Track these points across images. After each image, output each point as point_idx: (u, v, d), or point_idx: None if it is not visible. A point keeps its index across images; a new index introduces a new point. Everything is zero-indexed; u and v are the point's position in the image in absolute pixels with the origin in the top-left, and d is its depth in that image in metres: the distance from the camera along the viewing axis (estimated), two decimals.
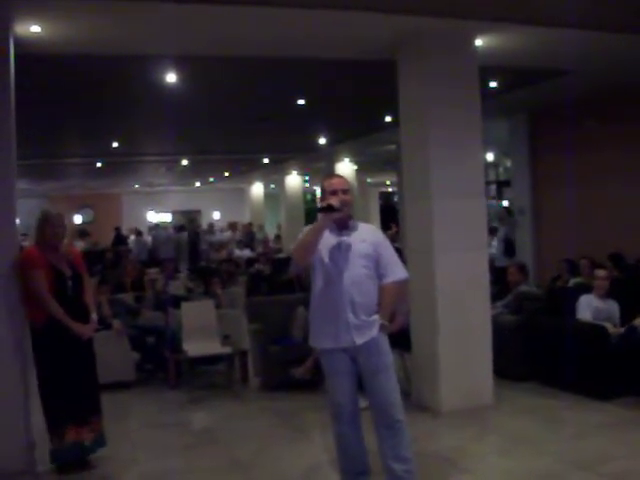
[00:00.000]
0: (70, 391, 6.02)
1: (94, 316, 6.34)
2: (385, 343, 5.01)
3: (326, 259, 4.94)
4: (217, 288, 11.50)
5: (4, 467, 5.99)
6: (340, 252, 4.94)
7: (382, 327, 4.96)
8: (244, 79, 10.46)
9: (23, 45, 6.77)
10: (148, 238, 26.00)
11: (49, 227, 6.10)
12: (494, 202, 20.77)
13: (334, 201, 4.80)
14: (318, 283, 5.01)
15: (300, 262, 5.04)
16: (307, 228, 5.02)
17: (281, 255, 21.07)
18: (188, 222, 22.58)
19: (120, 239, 25.46)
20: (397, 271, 5.11)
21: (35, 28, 6.61)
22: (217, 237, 25.96)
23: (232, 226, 27.44)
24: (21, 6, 6.16)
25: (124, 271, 13.83)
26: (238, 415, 8.06)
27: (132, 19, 6.82)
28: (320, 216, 4.83)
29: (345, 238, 4.98)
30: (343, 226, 5.01)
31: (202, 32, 7.37)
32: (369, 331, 4.92)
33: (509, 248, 14.37)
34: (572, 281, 10.43)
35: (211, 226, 27.66)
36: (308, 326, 5.26)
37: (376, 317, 4.95)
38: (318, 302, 5.04)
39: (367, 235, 5.08)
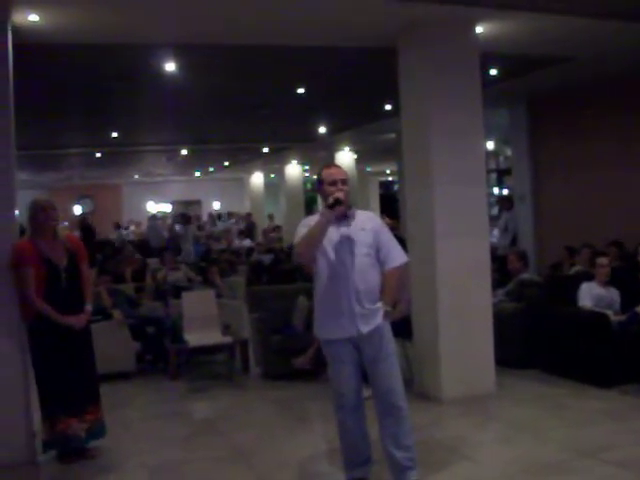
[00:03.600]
0: (64, 383, 6.00)
1: (88, 307, 6.25)
2: (388, 330, 5.02)
3: (328, 250, 4.94)
4: (216, 277, 11.49)
5: (5, 458, 6.00)
6: (342, 243, 4.95)
7: (385, 314, 4.96)
8: (243, 67, 10.41)
9: (21, 34, 6.74)
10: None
11: (41, 212, 6.04)
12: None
13: (339, 194, 4.82)
14: (322, 274, 5.02)
15: (304, 257, 5.05)
16: (307, 221, 5.04)
17: (282, 245, 21.04)
18: (181, 215, 22.48)
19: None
20: (398, 256, 5.13)
21: (33, 17, 6.59)
22: (218, 227, 26.00)
23: (237, 216, 27.41)
24: None
25: (123, 262, 13.83)
26: (239, 405, 8.06)
27: (131, 7, 6.78)
28: (323, 210, 4.85)
29: (345, 228, 4.98)
30: (342, 216, 5.01)
31: (201, 20, 7.34)
32: (374, 319, 4.94)
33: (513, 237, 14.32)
34: (573, 269, 10.41)
35: (211, 216, 27.67)
36: (309, 315, 5.26)
37: (380, 304, 4.96)
38: (322, 293, 5.04)
39: (366, 223, 5.08)
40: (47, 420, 6.00)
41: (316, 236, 4.81)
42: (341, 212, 4.90)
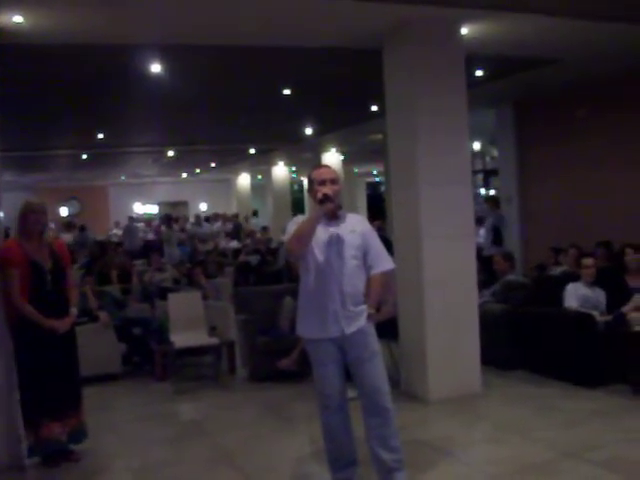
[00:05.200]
0: (47, 386, 5.95)
1: (73, 310, 6.22)
2: (372, 332, 5.01)
3: (316, 250, 4.93)
4: (200, 278, 11.46)
5: None
6: (330, 243, 4.94)
7: (370, 316, 4.96)
8: (230, 69, 10.41)
9: (6, 36, 6.70)
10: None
11: (31, 214, 6.01)
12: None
13: (327, 190, 4.83)
14: (308, 274, 5.01)
15: (295, 253, 5.05)
16: (297, 219, 5.04)
17: (270, 246, 21.01)
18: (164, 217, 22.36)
19: None
20: (385, 262, 5.13)
21: (18, 18, 6.54)
22: (204, 229, 25.89)
23: (224, 217, 27.31)
24: None
25: (109, 263, 13.78)
26: (225, 406, 8.04)
27: (116, 8, 6.73)
28: (314, 207, 4.85)
29: (335, 229, 4.98)
30: (332, 216, 5.01)
31: (187, 21, 7.31)
32: (358, 321, 4.92)
33: (497, 237, 14.33)
34: (558, 269, 10.43)
35: (198, 218, 27.57)
36: (295, 316, 5.25)
37: (364, 307, 4.96)
38: (307, 292, 5.03)
39: (356, 225, 5.08)
40: (30, 425, 5.96)
41: (306, 232, 4.81)
42: (330, 209, 4.91)
